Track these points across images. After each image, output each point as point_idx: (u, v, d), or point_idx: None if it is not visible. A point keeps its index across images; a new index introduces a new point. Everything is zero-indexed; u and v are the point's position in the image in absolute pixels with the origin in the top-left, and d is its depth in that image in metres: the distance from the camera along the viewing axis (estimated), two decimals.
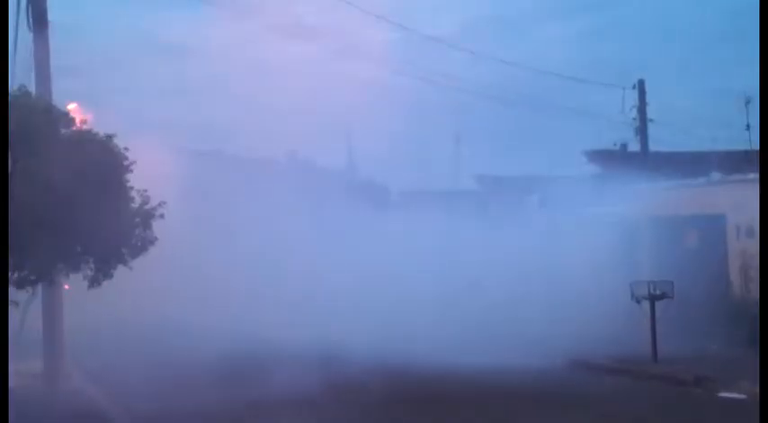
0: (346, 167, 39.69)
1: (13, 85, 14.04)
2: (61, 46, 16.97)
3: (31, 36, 16.69)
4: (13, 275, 12.53)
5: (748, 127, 32.62)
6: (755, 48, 18.61)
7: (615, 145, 32.44)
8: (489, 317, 23.71)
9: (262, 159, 33.66)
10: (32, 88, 15.22)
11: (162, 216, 13.57)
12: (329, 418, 13.31)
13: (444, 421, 12.89)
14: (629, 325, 21.25)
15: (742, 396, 13.84)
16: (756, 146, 26.35)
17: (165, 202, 13.55)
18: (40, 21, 16.50)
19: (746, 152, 27.34)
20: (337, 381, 15.75)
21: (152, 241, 13.65)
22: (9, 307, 12.41)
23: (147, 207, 13.42)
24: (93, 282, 13.38)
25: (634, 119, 32.29)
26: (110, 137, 12.86)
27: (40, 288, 16.30)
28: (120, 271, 13.66)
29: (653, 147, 32.18)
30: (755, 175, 18.33)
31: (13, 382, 13.23)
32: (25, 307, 21.05)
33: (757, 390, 12.75)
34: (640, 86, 32.51)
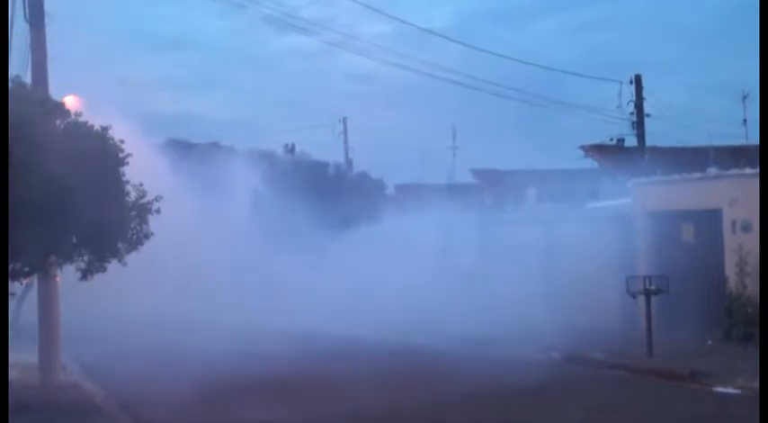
0: (342, 161, 39.74)
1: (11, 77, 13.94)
2: (56, 38, 16.89)
3: (27, 27, 16.61)
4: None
5: (745, 122, 32.75)
6: (753, 43, 18.65)
7: (612, 139, 32.47)
8: (485, 310, 23.77)
9: (258, 152, 33.70)
10: (28, 80, 15.19)
11: (158, 211, 13.51)
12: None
13: (440, 411, 12.88)
14: (624, 319, 21.30)
15: (737, 391, 13.85)
16: (753, 140, 26.39)
17: (161, 197, 13.50)
18: (36, 12, 16.42)
19: (743, 147, 27.37)
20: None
21: (147, 236, 13.60)
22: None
23: (142, 201, 13.38)
24: (86, 274, 13.35)
25: (631, 113, 32.32)
26: (105, 129, 12.81)
27: (35, 280, 16.29)
28: (115, 264, 13.63)
29: (650, 141, 32.22)
30: (752, 170, 18.36)
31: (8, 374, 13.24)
32: (20, 299, 21.04)
33: (752, 385, 12.79)
34: (637, 81, 32.53)
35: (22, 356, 16.89)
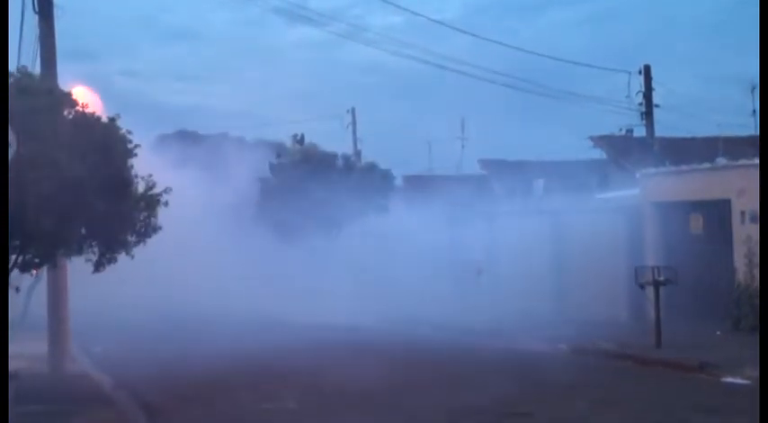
0: (350, 152, 39.71)
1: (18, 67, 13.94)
2: (66, 29, 16.93)
3: (36, 18, 16.62)
4: (17, 259, 12.53)
5: (754, 112, 32.52)
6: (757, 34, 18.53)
7: (621, 130, 32.32)
8: (492, 301, 23.77)
9: (267, 142, 33.73)
10: (37, 70, 15.21)
11: (166, 204, 13.49)
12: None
13: (444, 401, 12.88)
14: (632, 311, 21.29)
15: (746, 382, 13.82)
16: None
17: (170, 189, 13.48)
18: (45, 3, 16.44)
19: (752, 137, 27.24)
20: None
21: (156, 229, 13.60)
22: (11, 291, 12.44)
23: (151, 193, 13.37)
24: (98, 266, 13.38)
25: (640, 104, 32.17)
26: (113, 119, 12.80)
27: (44, 271, 16.33)
28: (125, 255, 13.65)
29: (659, 132, 32.07)
30: None
31: (17, 364, 13.31)
32: (29, 290, 21.13)
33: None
34: (646, 72, 32.37)
35: (31, 346, 16.98)
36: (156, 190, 13.39)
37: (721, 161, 21.05)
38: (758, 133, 27.57)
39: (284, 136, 34.32)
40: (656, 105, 32.24)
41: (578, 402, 12.59)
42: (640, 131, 32.24)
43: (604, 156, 32.17)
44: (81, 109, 12.65)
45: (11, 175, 10.07)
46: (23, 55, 16.66)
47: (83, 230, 13.03)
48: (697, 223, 21.20)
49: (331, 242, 29.20)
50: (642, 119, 31.94)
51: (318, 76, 74.94)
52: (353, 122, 45.67)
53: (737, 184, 19.53)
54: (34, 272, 15.88)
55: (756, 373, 13.40)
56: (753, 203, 18.66)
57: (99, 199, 12.13)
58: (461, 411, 12.22)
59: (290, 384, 14.43)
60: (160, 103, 65.09)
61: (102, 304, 23.04)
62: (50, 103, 12.10)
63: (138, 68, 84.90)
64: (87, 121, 12.65)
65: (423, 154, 44.59)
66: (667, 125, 32.19)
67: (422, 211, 27.76)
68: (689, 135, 30.82)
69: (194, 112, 66.14)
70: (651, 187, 22.60)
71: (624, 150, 29.60)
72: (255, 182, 30.20)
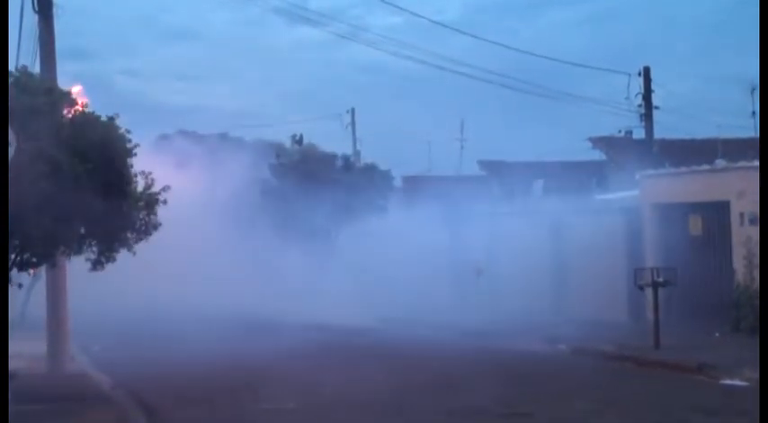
0: (350, 152, 39.71)
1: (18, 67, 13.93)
2: (66, 28, 16.92)
3: (35, 18, 16.61)
4: (16, 258, 12.52)
5: (754, 114, 32.56)
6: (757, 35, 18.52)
7: (620, 131, 32.34)
8: (492, 302, 23.75)
9: (266, 143, 33.73)
10: (36, 70, 15.20)
11: (165, 202, 13.48)
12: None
13: (444, 402, 12.87)
14: (632, 312, 21.30)
15: (744, 383, 13.82)
16: None
17: (169, 187, 13.47)
18: (44, 2, 16.42)
19: (752, 139, 27.27)
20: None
21: (155, 226, 13.60)
22: (13, 289, 12.42)
23: (150, 191, 13.35)
24: (96, 264, 13.37)
25: (639, 105, 32.16)
26: (112, 118, 12.78)
27: (43, 270, 16.31)
28: (123, 253, 13.64)
29: (658, 133, 32.08)
30: None
31: (17, 364, 13.29)
32: (28, 289, 21.09)
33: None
34: (646, 73, 32.35)
35: (30, 346, 16.94)
36: (156, 189, 13.38)
37: (721, 163, 21.07)
38: (758, 135, 27.61)
39: (284, 136, 34.36)
40: (656, 107, 32.22)
41: (578, 403, 12.59)
42: (640, 133, 32.23)
43: (604, 157, 32.21)
44: (80, 108, 12.64)
45: (10, 174, 10.05)
46: (23, 54, 16.66)
47: (82, 230, 13.02)
48: (696, 225, 21.21)
49: (330, 243, 29.21)
50: (641, 120, 31.92)
51: (318, 76, 74.99)
52: (353, 123, 45.68)
53: (737, 186, 19.54)
54: (32, 271, 15.84)
55: (755, 374, 13.40)
56: (752, 205, 18.67)
57: (98, 198, 12.10)
58: (461, 412, 12.20)
59: (290, 385, 14.41)
60: (160, 103, 65.13)
61: (102, 304, 23.00)
62: (50, 102, 12.08)
63: (138, 68, 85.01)
64: (87, 120, 12.63)
65: (422, 154, 44.66)
66: (667, 126, 32.23)
67: (421, 211, 27.76)
68: (688, 137, 30.87)
69: (194, 112, 66.15)
70: (650, 189, 22.61)
71: (623, 152, 29.64)
72: (255, 182, 30.19)
